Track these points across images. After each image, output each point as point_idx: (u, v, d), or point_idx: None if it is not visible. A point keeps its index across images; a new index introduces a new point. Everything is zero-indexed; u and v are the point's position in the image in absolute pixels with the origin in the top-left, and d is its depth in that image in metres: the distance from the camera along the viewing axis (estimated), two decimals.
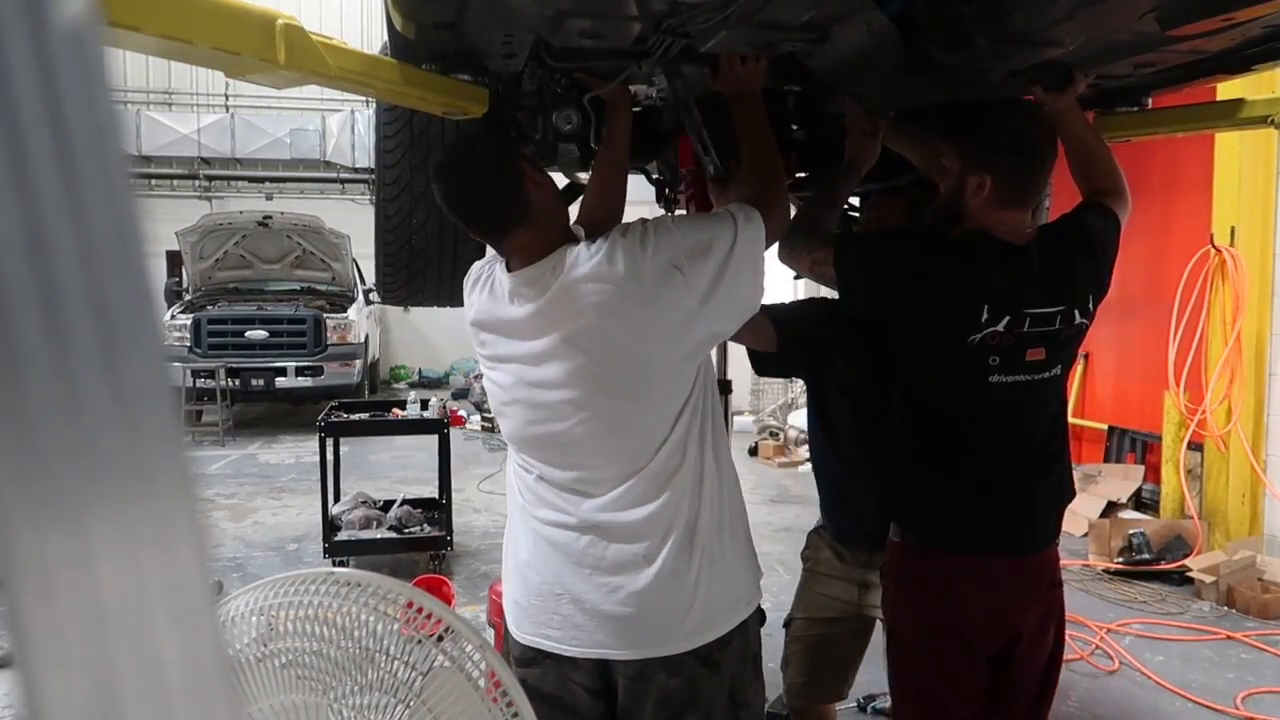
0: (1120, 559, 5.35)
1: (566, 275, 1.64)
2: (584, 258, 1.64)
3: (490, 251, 1.87)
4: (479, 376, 13.18)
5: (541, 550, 1.75)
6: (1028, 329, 1.83)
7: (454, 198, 1.71)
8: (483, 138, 1.79)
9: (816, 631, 2.55)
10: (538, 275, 1.68)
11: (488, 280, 1.81)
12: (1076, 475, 7.24)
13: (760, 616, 1.89)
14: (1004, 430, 1.91)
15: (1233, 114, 2.45)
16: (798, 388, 10.48)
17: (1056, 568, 2.03)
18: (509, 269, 1.74)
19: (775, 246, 1.87)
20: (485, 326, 1.80)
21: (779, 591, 5.10)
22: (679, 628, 1.69)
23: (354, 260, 11.50)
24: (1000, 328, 1.82)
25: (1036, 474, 1.94)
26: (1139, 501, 6.31)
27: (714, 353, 2.48)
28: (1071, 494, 2.04)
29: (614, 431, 1.69)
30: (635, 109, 2.14)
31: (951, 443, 1.94)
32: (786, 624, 2.63)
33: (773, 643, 4.35)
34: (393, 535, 5.28)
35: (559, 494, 1.74)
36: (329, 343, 10.40)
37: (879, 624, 2.36)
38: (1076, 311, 1.88)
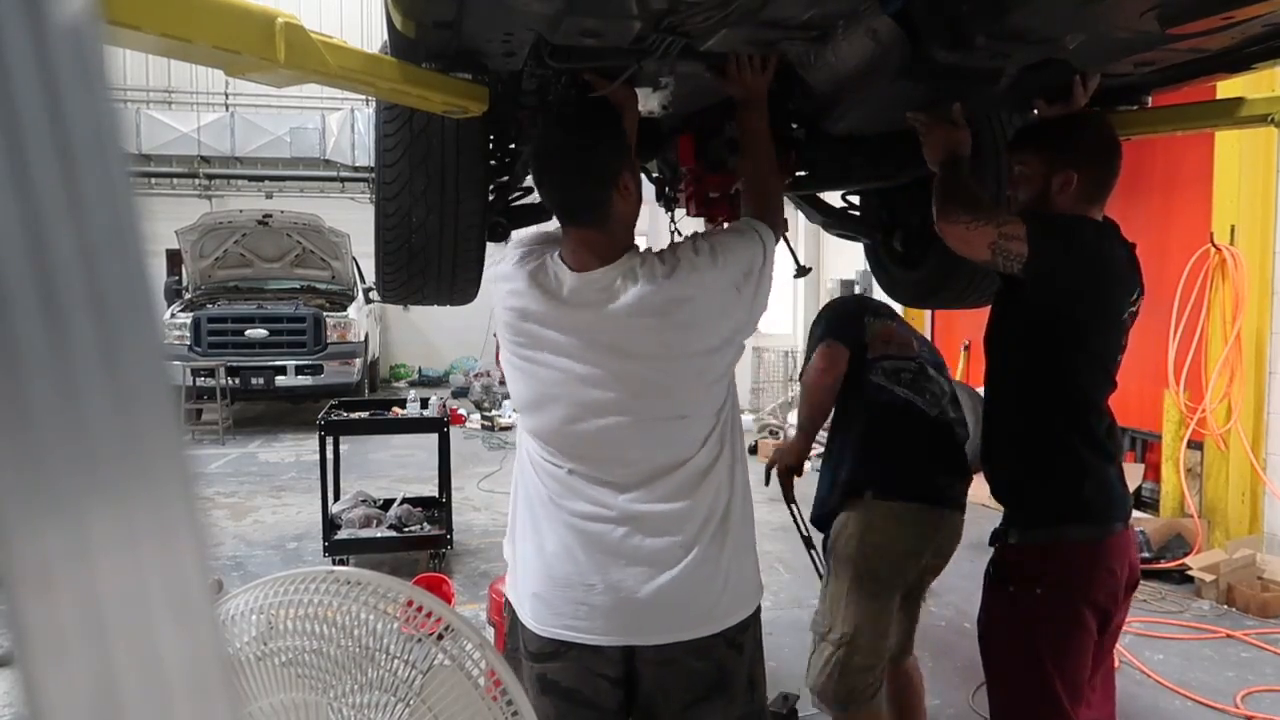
0: None
1: (639, 285, 1.69)
2: (658, 270, 1.71)
3: (530, 235, 1.89)
4: (479, 375, 13.25)
5: (573, 542, 1.75)
6: (1135, 305, 2.02)
7: (547, 168, 1.77)
8: (603, 136, 1.76)
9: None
10: (608, 281, 1.71)
11: (538, 270, 1.78)
12: None
13: None
14: (1109, 410, 2.05)
15: (1233, 112, 2.44)
16: (797, 386, 10.47)
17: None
18: (571, 266, 1.75)
19: (949, 227, 2.00)
20: (531, 317, 1.77)
21: (779, 590, 5.11)
22: (711, 612, 1.75)
23: (354, 259, 11.50)
24: (1132, 304, 2.00)
25: (1118, 450, 2.10)
26: (1139, 500, 6.31)
27: None
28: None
29: (662, 431, 1.74)
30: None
31: (1084, 426, 2.01)
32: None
33: (772, 641, 4.35)
34: (393, 534, 5.28)
35: (595, 487, 1.75)
36: (329, 341, 10.40)
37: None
38: (1139, 299, 2.04)
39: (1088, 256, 1.94)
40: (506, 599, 1.90)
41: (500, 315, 1.83)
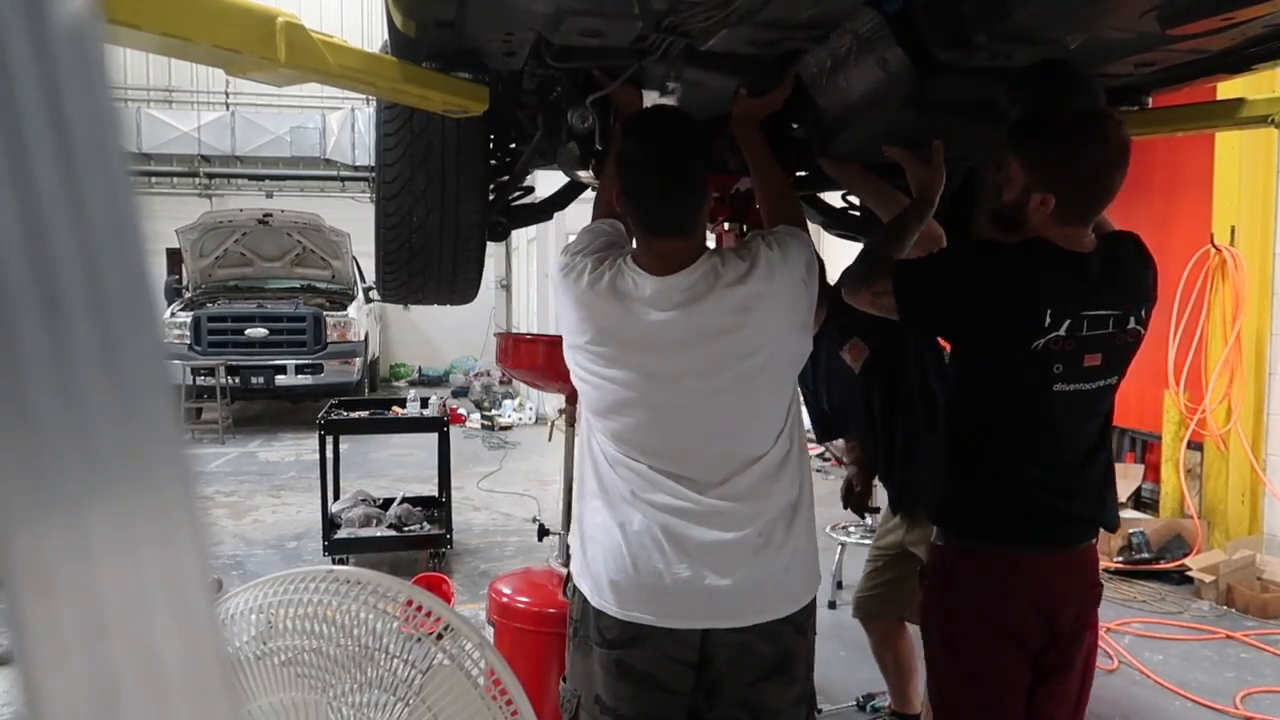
0: (1120, 558, 5.36)
1: (722, 284, 1.75)
2: (738, 268, 1.77)
3: (586, 244, 1.90)
4: (479, 374, 13.25)
5: (655, 534, 1.78)
6: (1085, 332, 1.84)
7: (644, 185, 1.78)
8: (693, 147, 1.81)
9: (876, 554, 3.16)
10: (690, 283, 1.75)
11: (616, 278, 1.81)
12: None
13: None
14: (1057, 438, 1.93)
15: (1233, 113, 2.44)
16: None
17: (1098, 568, 2.06)
18: (652, 272, 1.78)
19: (861, 294, 1.99)
20: (613, 332, 1.81)
21: None
22: (783, 597, 1.82)
23: (354, 258, 11.50)
24: (1062, 332, 1.83)
25: (1080, 473, 1.97)
26: (1139, 500, 6.31)
27: None
28: (1113, 487, 2.06)
29: (740, 428, 1.80)
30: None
31: (1004, 450, 1.95)
32: None
33: None
34: (392, 533, 5.28)
35: (675, 482, 1.79)
36: (329, 340, 10.40)
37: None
38: (1132, 318, 1.89)
39: (970, 296, 1.88)
40: (574, 593, 1.90)
41: (572, 320, 1.86)
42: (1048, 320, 1.81)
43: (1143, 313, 1.93)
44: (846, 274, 2.01)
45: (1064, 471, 1.95)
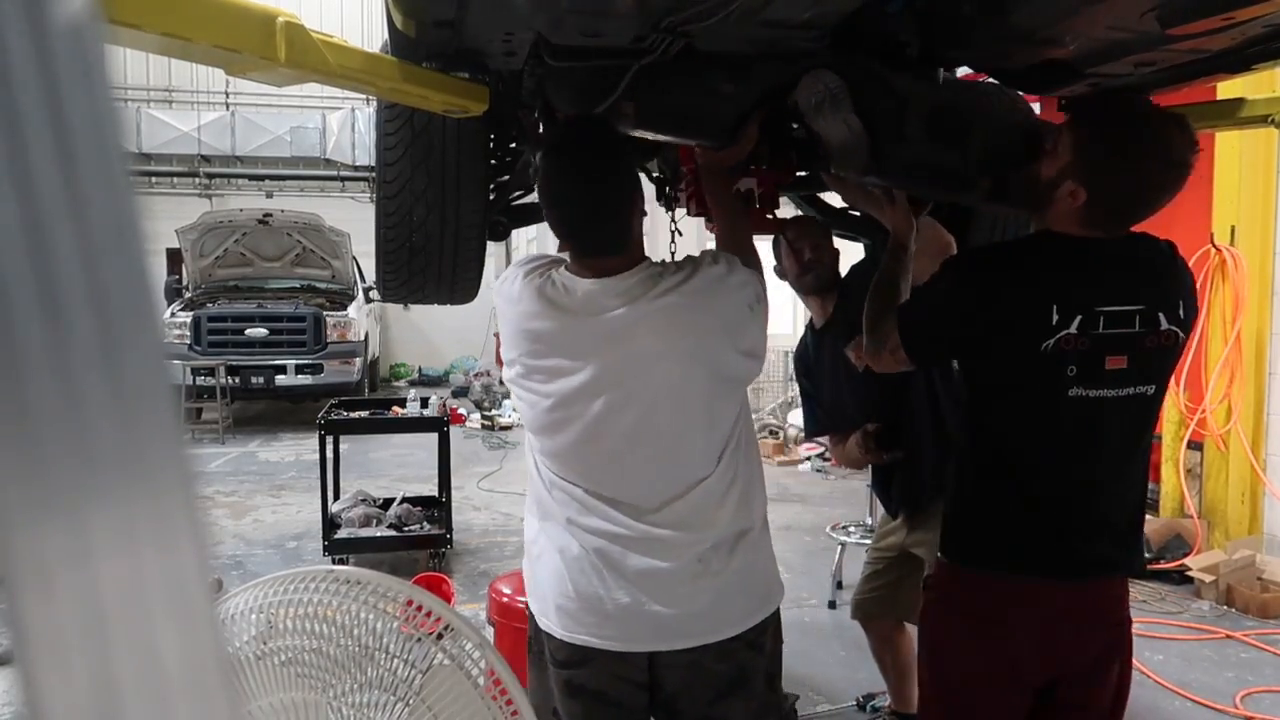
0: None
1: (658, 289, 1.69)
2: (677, 275, 1.71)
3: (532, 256, 1.87)
4: (479, 374, 13.25)
5: (593, 561, 1.75)
6: (1103, 329, 1.68)
7: (568, 213, 1.74)
8: (618, 159, 1.76)
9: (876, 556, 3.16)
10: (624, 287, 1.70)
11: (545, 284, 1.76)
12: None
13: None
14: (1080, 452, 1.75)
15: (1233, 113, 2.44)
16: (797, 386, 10.46)
17: (1124, 604, 1.87)
18: (578, 275, 1.74)
19: (882, 358, 1.93)
20: (541, 335, 1.75)
21: None
22: (731, 618, 1.77)
23: (354, 258, 11.51)
24: (1073, 329, 1.66)
25: (1103, 497, 1.79)
26: None
27: None
28: (1142, 518, 1.91)
29: (678, 447, 1.73)
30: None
31: (1017, 466, 1.80)
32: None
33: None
34: (392, 533, 5.28)
35: (611, 508, 1.74)
36: (329, 340, 10.40)
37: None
38: (1162, 315, 1.70)
39: (969, 307, 1.76)
40: (529, 610, 1.89)
41: (507, 335, 1.81)
42: (1055, 317, 1.67)
43: (1179, 311, 1.73)
44: (864, 348, 1.95)
45: (1082, 495, 1.78)
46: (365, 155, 14.03)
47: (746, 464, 1.81)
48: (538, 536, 1.85)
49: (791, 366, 4.37)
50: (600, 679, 1.78)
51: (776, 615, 1.88)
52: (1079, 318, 1.67)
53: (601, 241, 1.74)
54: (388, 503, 5.64)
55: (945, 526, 1.94)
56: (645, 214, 1.79)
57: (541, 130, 2.19)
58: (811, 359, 3.06)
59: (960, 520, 1.91)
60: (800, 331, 3.28)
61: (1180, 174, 1.67)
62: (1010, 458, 1.81)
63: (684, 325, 1.69)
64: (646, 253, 1.80)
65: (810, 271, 2.85)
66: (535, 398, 1.78)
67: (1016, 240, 1.87)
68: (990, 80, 2.20)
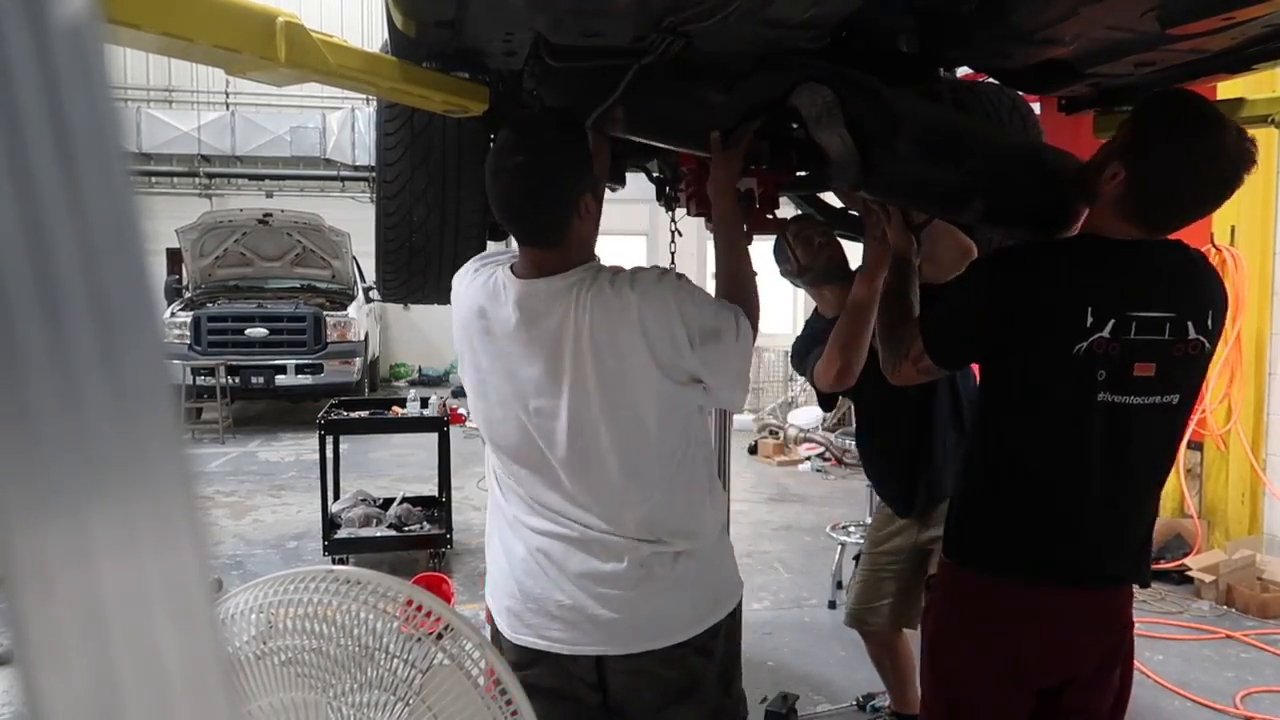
0: None
1: (589, 293, 1.64)
2: (614, 282, 1.65)
3: (488, 253, 1.88)
4: None
5: (537, 560, 1.75)
6: (1134, 335, 1.64)
7: (502, 188, 1.68)
8: (572, 149, 1.68)
9: (880, 562, 3.04)
10: (554, 290, 1.66)
11: (488, 280, 1.76)
12: None
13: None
14: (1102, 460, 1.71)
15: (1233, 113, 2.44)
16: (797, 386, 10.47)
17: (1129, 608, 1.87)
18: (517, 274, 1.72)
19: (902, 369, 1.89)
20: (480, 330, 1.74)
21: (778, 590, 5.11)
22: (678, 624, 1.75)
23: (354, 258, 11.50)
24: (1106, 333, 1.63)
25: (1121, 508, 1.76)
26: None
27: None
28: (1151, 527, 1.87)
29: (617, 456, 1.69)
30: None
31: (1035, 473, 1.76)
32: (855, 557, 3.18)
33: (772, 641, 4.35)
34: (392, 533, 5.28)
35: (552, 509, 1.74)
36: (329, 340, 10.40)
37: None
38: (1191, 324, 1.67)
39: (1002, 305, 1.72)
40: (487, 608, 1.91)
41: (455, 328, 1.81)
42: (1089, 319, 1.62)
43: (1207, 321, 1.69)
44: (882, 362, 1.92)
45: (1101, 507, 1.74)
46: (365, 155, 14.03)
47: (694, 475, 1.77)
48: (490, 536, 1.87)
49: (790, 366, 4.36)
50: (552, 676, 1.78)
51: (732, 617, 1.84)
52: (1112, 321, 1.63)
53: (536, 229, 1.69)
54: (388, 503, 5.65)
55: (950, 527, 1.90)
56: (596, 222, 1.73)
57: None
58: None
59: (969, 522, 1.86)
60: (797, 330, 3.21)
61: (1226, 176, 1.61)
62: (1029, 463, 1.77)
63: (611, 335, 1.63)
64: (606, 262, 1.75)
65: (824, 254, 2.77)
66: (476, 393, 1.79)
67: (1053, 241, 1.79)
68: (997, 86, 2.20)
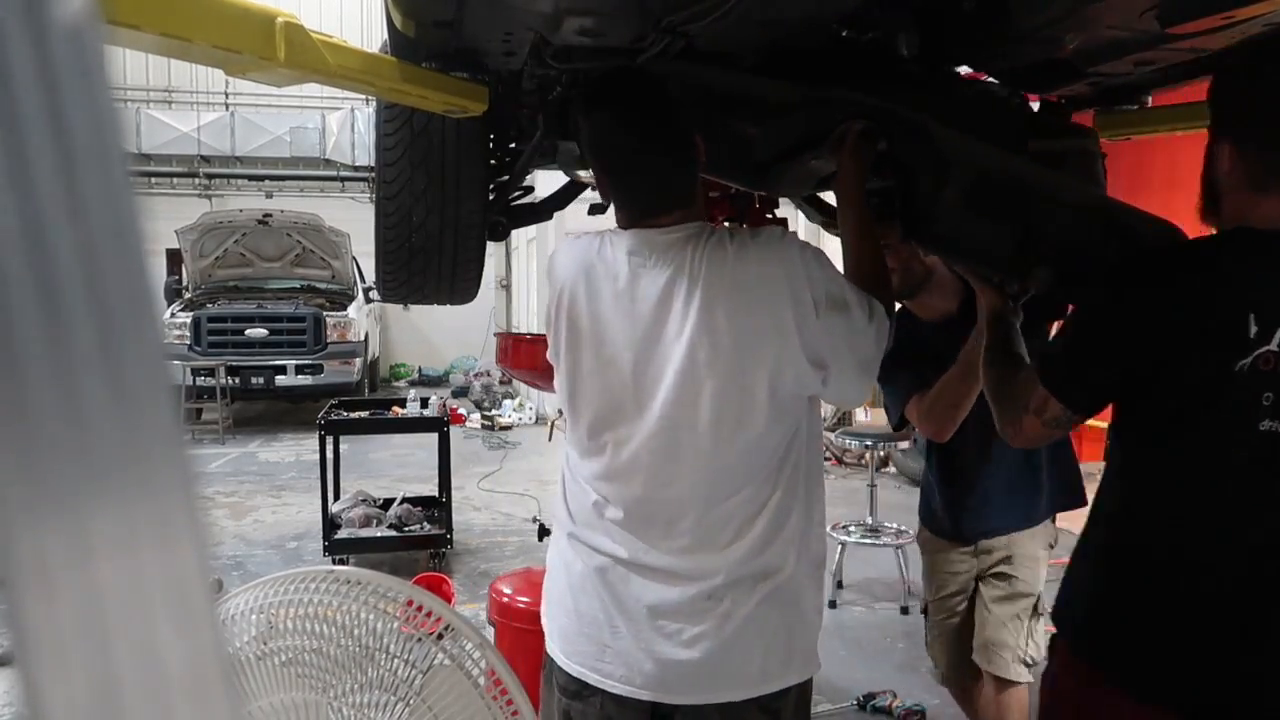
0: None
1: (702, 250, 1.49)
2: (737, 237, 1.52)
3: (578, 233, 1.71)
4: (479, 374, 13.25)
5: (593, 581, 1.57)
6: None
7: (614, 160, 1.57)
8: (667, 105, 1.54)
9: (946, 614, 2.69)
10: (669, 240, 1.51)
11: (593, 241, 1.62)
12: None
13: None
14: (1254, 515, 1.31)
15: None
16: None
17: None
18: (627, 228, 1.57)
19: (1024, 425, 1.53)
20: (586, 288, 1.58)
21: None
22: (747, 676, 1.53)
23: (354, 258, 11.51)
24: (1274, 345, 1.28)
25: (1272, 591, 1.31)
26: None
27: None
28: None
29: (708, 432, 1.49)
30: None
31: (1177, 528, 1.36)
32: (923, 610, 2.80)
33: None
34: (393, 533, 5.28)
35: (621, 527, 1.55)
36: (329, 341, 10.41)
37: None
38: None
39: (1142, 321, 1.37)
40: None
41: (549, 305, 1.66)
42: (1253, 329, 1.28)
43: None
44: (997, 422, 1.60)
45: (1257, 590, 1.30)
46: (365, 155, 14.03)
47: (791, 491, 1.53)
48: (552, 546, 1.71)
49: None
50: (600, 716, 1.60)
51: (801, 688, 1.59)
52: (1279, 331, 1.29)
53: (671, 191, 1.55)
54: (388, 503, 5.65)
55: (1072, 603, 1.52)
56: (701, 181, 1.61)
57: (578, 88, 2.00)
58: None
59: (1094, 611, 1.47)
60: None
61: None
62: (1167, 521, 1.38)
63: (728, 291, 1.46)
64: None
65: (916, 265, 2.47)
66: (565, 367, 1.63)
67: (1195, 240, 1.51)
68: (1074, 125, 2.01)
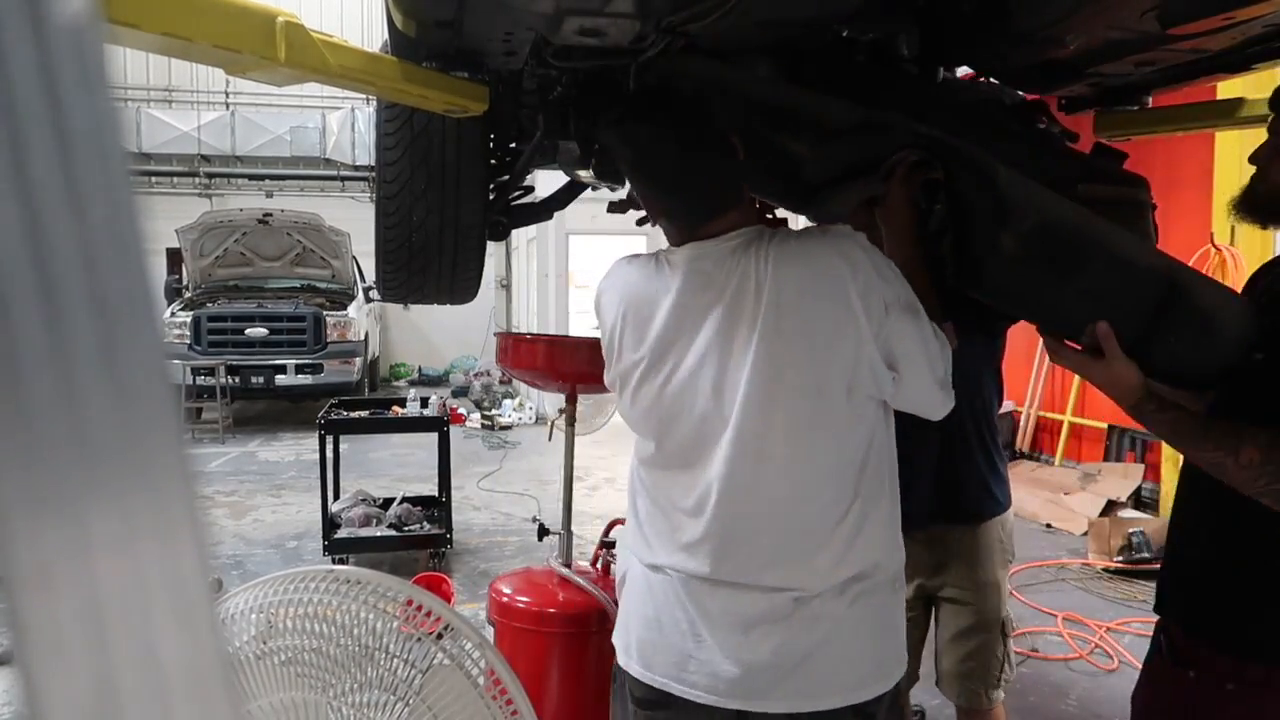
0: (1120, 558, 5.36)
1: (767, 250, 1.45)
2: (790, 238, 1.49)
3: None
4: (479, 374, 13.25)
5: (676, 594, 1.53)
6: None
7: (659, 173, 1.54)
8: (700, 107, 1.53)
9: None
10: (729, 247, 1.48)
11: (648, 262, 1.59)
12: (1076, 474, 7.18)
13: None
14: None
15: (1233, 113, 2.45)
16: None
17: None
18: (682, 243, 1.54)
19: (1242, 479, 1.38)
20: (646, 308, 1.56)
21: None
22: (842, 682, 1.49)
23: (354, 258, 11.52)
24: None
25: None
26: (1139, 500, 6.31)
27: None
28: None
29: (783, 440, 1.46)
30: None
31: None
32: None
33: None
34: (392, 533, 5.28)
35: (703, 544, 1.51)
36: (329, 340, 10.41)
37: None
38: None
39: None
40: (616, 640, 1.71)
41: (606, 327, 1.64)
42: None
43: None
44: (1214, 469, 1.40)
45: None
46: (365, 155, 14.05)
47: (871, 499, 1.50)
48: (628, 558, 1.66)
49: None
50: None
51: (894, 693, 1.56)
52: None
53: (719, 192, 1.52)
54: (388, 502, 5.65)
55: (1192, 599, 1.52)
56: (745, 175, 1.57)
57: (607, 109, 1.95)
58: None
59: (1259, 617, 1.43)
60: None
61: None
62: None
63: (800, 289, 1.43)
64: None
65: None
66: (630, 391, 1.60)
67: None
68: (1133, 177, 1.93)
